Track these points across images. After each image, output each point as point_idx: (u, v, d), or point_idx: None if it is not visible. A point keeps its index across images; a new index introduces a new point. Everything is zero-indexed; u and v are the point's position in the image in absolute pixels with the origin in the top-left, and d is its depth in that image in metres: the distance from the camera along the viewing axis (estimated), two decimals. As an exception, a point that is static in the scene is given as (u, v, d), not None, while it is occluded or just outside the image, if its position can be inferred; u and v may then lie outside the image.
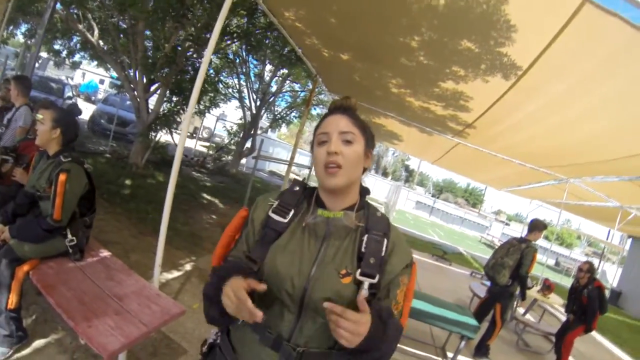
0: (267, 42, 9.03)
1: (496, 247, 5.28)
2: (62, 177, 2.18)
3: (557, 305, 6.25)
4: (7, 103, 3.72)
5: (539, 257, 4.64)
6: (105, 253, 2.65)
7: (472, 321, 3.62)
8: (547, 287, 5.76)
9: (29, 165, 2.68)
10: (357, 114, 1.14)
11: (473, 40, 2.82)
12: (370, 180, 39.79)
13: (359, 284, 1.01)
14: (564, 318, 5.06)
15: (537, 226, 4.46)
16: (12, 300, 2.13)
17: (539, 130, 4.18)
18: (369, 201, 1.20)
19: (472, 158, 7.23)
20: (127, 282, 2.36)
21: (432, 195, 55.45)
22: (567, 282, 14.59)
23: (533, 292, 5.73)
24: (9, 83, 3.76)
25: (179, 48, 7.49)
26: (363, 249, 1.05)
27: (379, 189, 34.56)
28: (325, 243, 1.06)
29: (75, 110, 2.58)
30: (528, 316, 6.14)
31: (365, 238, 1.06)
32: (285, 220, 1.10)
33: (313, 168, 1.15)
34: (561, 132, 3.97)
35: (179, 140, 2.96)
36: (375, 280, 1.01)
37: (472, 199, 61.34)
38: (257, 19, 8.16)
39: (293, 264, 1.03)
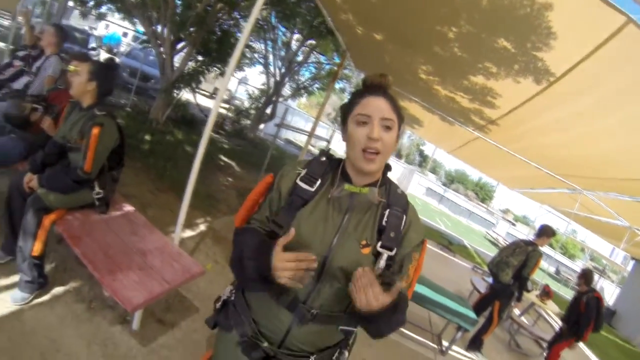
0: (299, 11, 8.90)
1: (500, 245, 5.34)
2: (95, 130, 2.21)
3: (552, 313, 6.33)
4: (33, 49, 3.62)
5: (542, 263, 4.69)
6: (129, 208, 2.73)
7: (471, 314, 3.72)
8: (546, 294, 5.84)
9: (58, 116, 2.70)
10: (393, 95, 1.16)
11: (511, 40, 2.80)
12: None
13: (377, 255, 1.10)
14: (557, 327, 5.12)
15: (546, 232, 4.50)
16: (37, 248, 2.19)
17: (561, 137, 4.14)
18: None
19: (489, 154, 7.17)
20: (150, 238, 2.45)
21: (443, 184, 54.99)
22: (565, 292, 14.70)
23: (532, 296, 5.81)
24: (39, 30, 3.72)
25: (209, 8, 7.41)
26: (384, 223, 1.12)
27: (393, 170, 34.10)
28: (348, 215, 1.12)
29: (112, 65, 2.58)
30: (523, 318, 6.23)
31: (386, 213, 1.13)
32: (313, 189, 1.14)
33: (345, 144, 1.16)
34: (583, 143, 3.94)
35: (213, 105, 2.96)
36: (392, 253, 1.10)
37: (482, 193, 60.82)
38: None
39: (317, 231, 1.10)
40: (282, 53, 12.73)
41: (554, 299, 6.24)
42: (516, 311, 6.26)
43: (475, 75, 3.87)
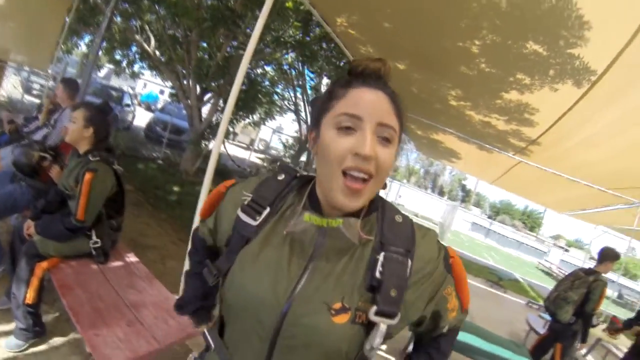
0: (322, 53, 8.94)
1: (554, 274, 4.79)
2: (88, 176, 2.13)
3: (624, 348, 5.53)
4: (56, 106, 3.81)
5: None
6: (132, 258, 2.56)
7: (529, 362, 3.19)
8: (616, 328, 5.08)
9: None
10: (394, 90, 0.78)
11: (540, 41, 2.49)
12: (426, 199, 38.79)
13: (367, 324, 0.71)
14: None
15: (608, 256, 3.91)
16: (30, 295, 2.11)
17: (611, 147, 3.70)
18: (385, 199, 0.86)
19: (533, 178, 6.71)
20: (148, 292, 2.23)
21: (489, 217, 53.48)
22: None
23: (598, 331, 5.10)
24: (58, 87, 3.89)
25: (233, 57, 7.58)
26: (378, 274, 0.72)
27: (435, 208, 33.64)
28: (314, 262, 0.75)
29: (106, 109, 2.53)
30: (590, 358, 5.45)
31: (380, 257, 0.73)
32: (254, 224, 0.79)
33: (314, 158, 0.79)
34: (638, 149, 3.47)
35: (214, 144, 2.85)
36: (394, 322, 0.70)
37: (530, 222, 58.49)
38: (313, 30, 8.11)
39: (262, 285, 0.73)
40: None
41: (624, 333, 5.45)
42: (581, 352, 5.51)
43: (507, 92, 3.54)
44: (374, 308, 0.69)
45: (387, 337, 0.72)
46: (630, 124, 3.03)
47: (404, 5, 2.92)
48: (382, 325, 0.69)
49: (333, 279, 0.73)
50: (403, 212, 0.83)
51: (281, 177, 0.86)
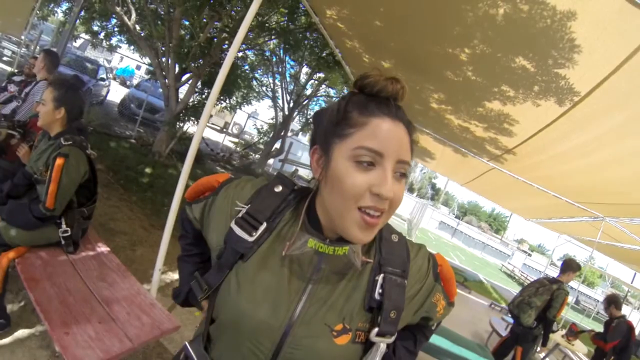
0: (306, 42, 8.80)
1: (517, 277, 4.98)
2: (59, 161, 1.98)
3: (580, 354, 5.80)
4: (32, 78, 3.60)
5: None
6: (103, 248, 2.46)
7: (491, 364, 3.30)
8: (573, 333, 5.32)
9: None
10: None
11: (529, 58, 2.51)
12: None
13: (366, 342, 0.73)
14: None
15: (570, 266, 4.10)
16: None
17: (583, 163, 3.82)
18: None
19: (504, 184, 6.87)
20: (120, 285, 2.15)
21: (456, 217, 54.52)
22: (587, 323, 13.86)
23: (557, 336, 5.34)
24: (36, 58, 3.67)
25: (215, 40, 7.37)
26: (377, 296, 0.73)
27: (404, 205, 33.82)
28: (312, 285, 0.74)
29: (76, 84, 2.37)
30: (548, 360, 5.70)
31: (379, 279, 0.74)
32: (250, 240, 0.76)
33: (321, 183, 0.75)
34: (608, 168, 3.61)
35: (197, 129, 2.77)
36: (391, 340, 0.74)
37: (496, 224, 60.21)
38: (298, 18, 7.94)
39: (263, 303, 0.72)
40: (291, 87, 12.68)
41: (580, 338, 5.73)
42: (540, 355, 5.75)
43: (490, 101, 3.58)
44: (376, 330, 0.71)
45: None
46: (604, 145, 3.14)
47: (399, 6, 2.89)
48: (382, 344, 0.71)
49: (333, 301, 0.73)
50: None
51: (278, 189, 0.82)
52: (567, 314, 7.87)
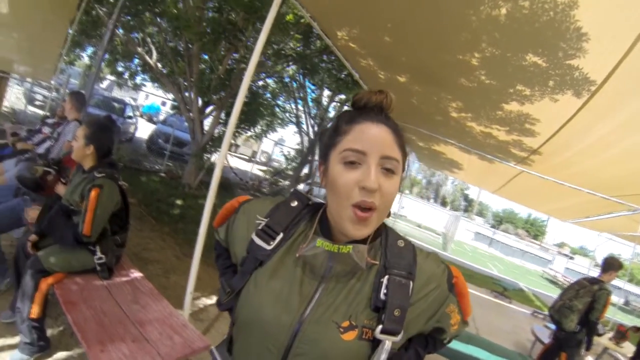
0: (322, 65, 8.97)
1: (559, 282, 4.75)
2: (93, 192, 2.16)
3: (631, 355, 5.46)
4: (63, 119, 3.85)
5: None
6: (136, 274, 2.57)
7: (534, 373, 3.17)
8: (622, 335, 5.04)
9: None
10: (396, 122, 0.83)
11: (539, 53, 2.50)
12: (429, 210, 38.63)
13: (373, 340, 0.76)
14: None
15: (612, 265, 3.91)
16: (35, 310, 2.13)
17: (612, 154, 3.69)
18: (389, 225, 0.92)
19: (535, 187, 6.68)
20: (153, 308, 2.24)
21: (492, 226, 53.08)
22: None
23: (604, 340, 5.06)
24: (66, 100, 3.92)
25: (234, 71, 7.62)
26: (382, 296, 0.78)
27: (438, 219, 33.24)
28: (324, 284, 0.80)
29: (109, 124, 2.56)
30: (597, 367, 5.39)
31: (384, 280, 0.79)
32: (269, 247, 0.84)
33: (325, 191, 0.84)
34: (638, 156, 3.47)
35: (219, 157, 2.88)
36: (398, 339, 0.76)
37: (534, 230, 57.90)
38: (313, 42, 8.17)
39: (277, 304, 0.79)
40: (314, 111, 12.76)
41: (630, 338, 5.39)
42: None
43: (508, 103, 3.55)
44: (380, 327, 0.75)
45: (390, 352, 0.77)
46: (631, 132, 3.04)
47: (404, 20, 2.94)
48: (388, 342, 0.75)
49: (341, 300, 0.79)
50: (407, 222, 0.87)
51: (294, 204, 0.91)
52: (616, 316, 7.42)
